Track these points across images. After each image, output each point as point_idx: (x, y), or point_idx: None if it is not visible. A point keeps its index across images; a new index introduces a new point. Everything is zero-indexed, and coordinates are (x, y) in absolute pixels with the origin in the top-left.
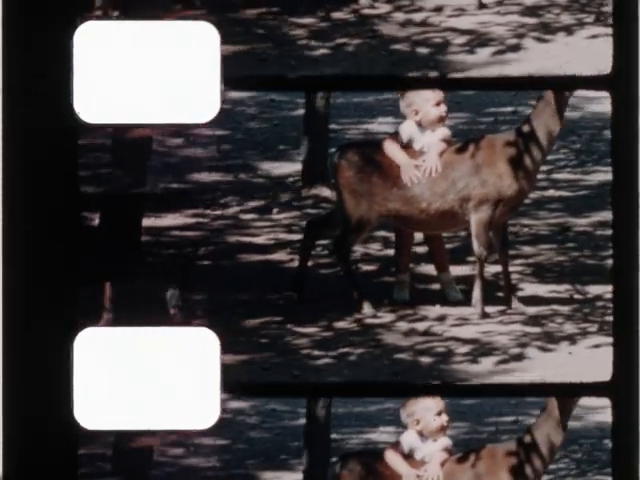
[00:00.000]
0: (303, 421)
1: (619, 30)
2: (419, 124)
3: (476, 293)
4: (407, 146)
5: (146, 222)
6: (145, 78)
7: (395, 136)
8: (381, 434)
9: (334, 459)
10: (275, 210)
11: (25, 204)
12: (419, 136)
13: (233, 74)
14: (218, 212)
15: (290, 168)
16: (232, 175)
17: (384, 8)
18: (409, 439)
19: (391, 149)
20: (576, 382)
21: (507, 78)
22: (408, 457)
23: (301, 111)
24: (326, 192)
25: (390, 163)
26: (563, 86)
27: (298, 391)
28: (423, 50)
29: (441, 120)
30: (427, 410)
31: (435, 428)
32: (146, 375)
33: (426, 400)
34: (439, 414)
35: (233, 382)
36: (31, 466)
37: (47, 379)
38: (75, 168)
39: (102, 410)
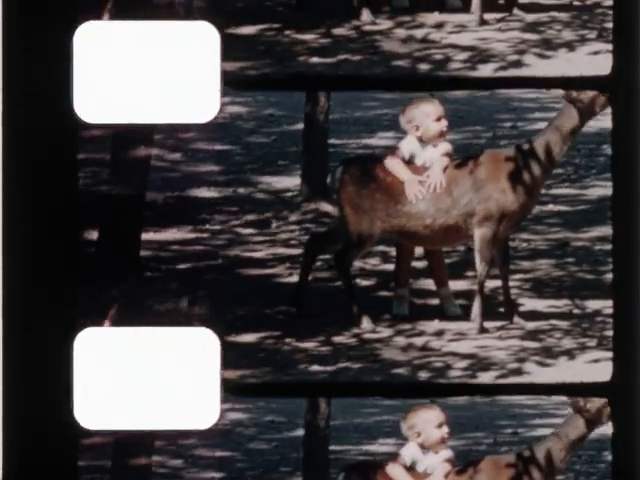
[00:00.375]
0: (301, 432)
1: (619, 32)
2: (420, 139)
3: (475, 308)
4: (409, 162)
5: (145, 236)
6: (145, 78)
7: (396, 152)
8: (380, 446)
9: (337, 471)
10: (274, 225)
11: (25, 204)
12: (420, 152)
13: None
14: (217, 227)
15: (289, 183)
16: (231, 190)
17: (385, 24)
18: (410, 451)
19: (393, 165)
20: (576, 382)
21: (505, 79)
22: (410, 469)
23: (300, 126)
24: (326, 207)
25: (393, 179)
26: (563, 86)
27: (297, 392)
28: (424, 66)
29: (442, 135)
30: (428, 422)
31: (436, 440)
32: (146, 375)
33: (426, 412)
34: (440, 426)
35: (233, 383)
36: (31, 466)
37: (47, 379)
38: (75, 168)
39: (102, 410)
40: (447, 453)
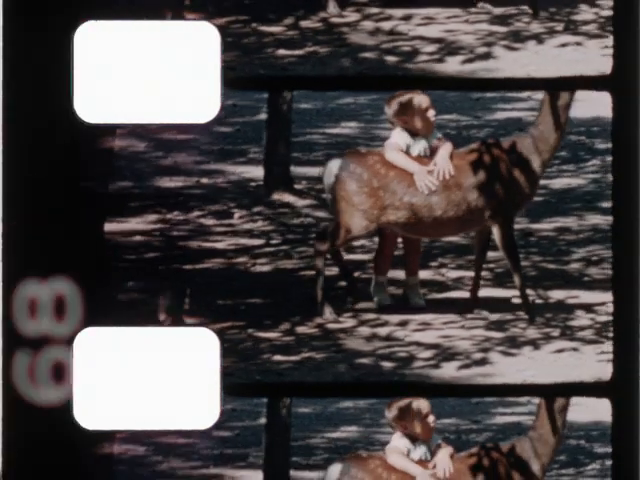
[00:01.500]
0: (263, 420)
1: (619, 31)
2: (410, 131)
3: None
4: (405, 153)
5: (108, 227)
6: (145, 78)
7: (392, 145)
8: (342, 433)
9: (335, 464)
10: (237, 215)
11: (25, 204)
12: (413, 143)
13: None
14: (180, 217)
15: (253, 173)
16: (194, 180)
17: (353, 16)
18: (403, 441)
19: (397, 158)
20: (575, 382)
21: (501, 80)
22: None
23: (263, 115)
24: (288, 197)
25: (397, 172)
26: (562, 86)
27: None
28: (392, 58)
29: (432, 125)
30: (415, 412)
31: (425, 430)
32: (146, 375)
33: (413, 402)
34: (427, 415)
35: (233, 383)
36: (31, 466)
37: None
38: (76, 168)
39: (102, 410)
40: (437, 439)
